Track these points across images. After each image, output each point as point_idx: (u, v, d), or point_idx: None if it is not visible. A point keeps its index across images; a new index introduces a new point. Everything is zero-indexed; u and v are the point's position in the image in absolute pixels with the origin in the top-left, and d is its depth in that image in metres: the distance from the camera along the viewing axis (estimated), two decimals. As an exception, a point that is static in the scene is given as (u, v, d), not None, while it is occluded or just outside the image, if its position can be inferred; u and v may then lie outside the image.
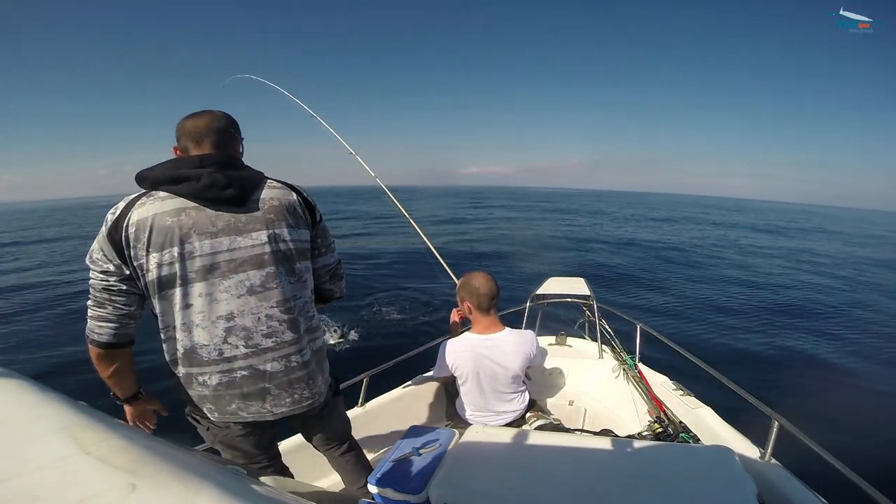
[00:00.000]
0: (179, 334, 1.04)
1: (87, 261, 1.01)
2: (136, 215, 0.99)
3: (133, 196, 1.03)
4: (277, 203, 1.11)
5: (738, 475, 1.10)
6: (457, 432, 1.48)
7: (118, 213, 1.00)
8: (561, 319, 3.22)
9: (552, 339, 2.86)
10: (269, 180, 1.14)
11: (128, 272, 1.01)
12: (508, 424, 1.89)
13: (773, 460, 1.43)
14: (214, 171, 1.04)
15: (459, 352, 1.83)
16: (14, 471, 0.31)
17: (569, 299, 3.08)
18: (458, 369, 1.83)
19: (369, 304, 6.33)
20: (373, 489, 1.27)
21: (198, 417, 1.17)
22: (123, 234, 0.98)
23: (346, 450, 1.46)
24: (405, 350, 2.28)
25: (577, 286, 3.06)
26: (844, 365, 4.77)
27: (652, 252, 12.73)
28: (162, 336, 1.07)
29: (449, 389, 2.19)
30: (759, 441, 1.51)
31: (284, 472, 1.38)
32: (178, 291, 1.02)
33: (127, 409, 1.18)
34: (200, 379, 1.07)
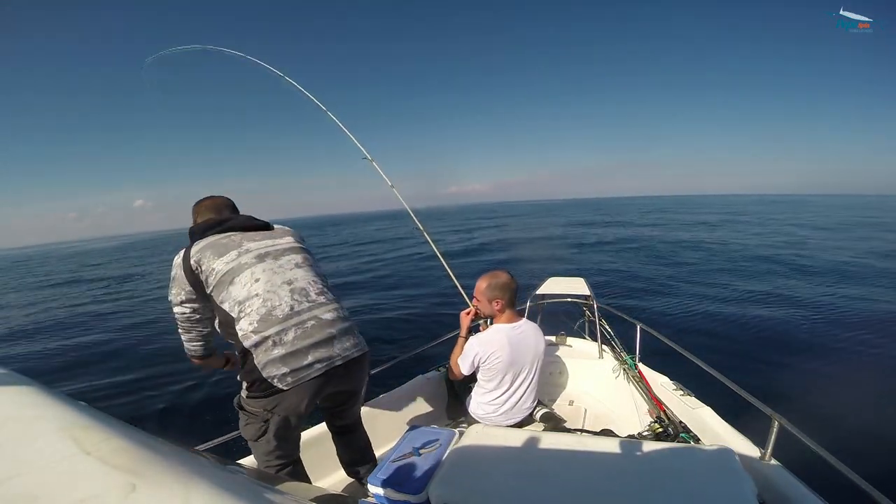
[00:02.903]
0: (254, 304, 1.28)
1: (175, 301, 1.36)
2: (195, 248, 1.35)
3: (186, 247, 1.38)
4: (286, 227, 1.55)
5: (738, 475, 1.10)
6: (457, 432, 1.48)
7: (182, 256, 1.35)
8: (561, 319, 3.22)
9: (552, 338, 2.85)
10: None
11: (199, 293, 1.34)
12: (518, 424, 1.90)
13: (773, 460, 1.43)
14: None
15: (496, 342, 1.87)
16: (14, 471, 0.31)
17: (569, 299, 3.08)
18: (495, 360, 1.86)
19: (368, 306, 6.32)
20: (373, 489, 1.27)
21: (254, 402, 1.29)
22: (192, 261, 1.32)
23: (358, 429, 1.69)
24: (405, 350, 2.29)
25: (576, 286, 3.06)
26: (845, 364, 4.76)
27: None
28: (235, 315, 1.29)
29: (455, 388, 2.19)
30: (759, 441, 1.51)
31: (300, 474, 1.45)
32: (246, 273, 1.32)
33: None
34: (277, 338, 1.26)
